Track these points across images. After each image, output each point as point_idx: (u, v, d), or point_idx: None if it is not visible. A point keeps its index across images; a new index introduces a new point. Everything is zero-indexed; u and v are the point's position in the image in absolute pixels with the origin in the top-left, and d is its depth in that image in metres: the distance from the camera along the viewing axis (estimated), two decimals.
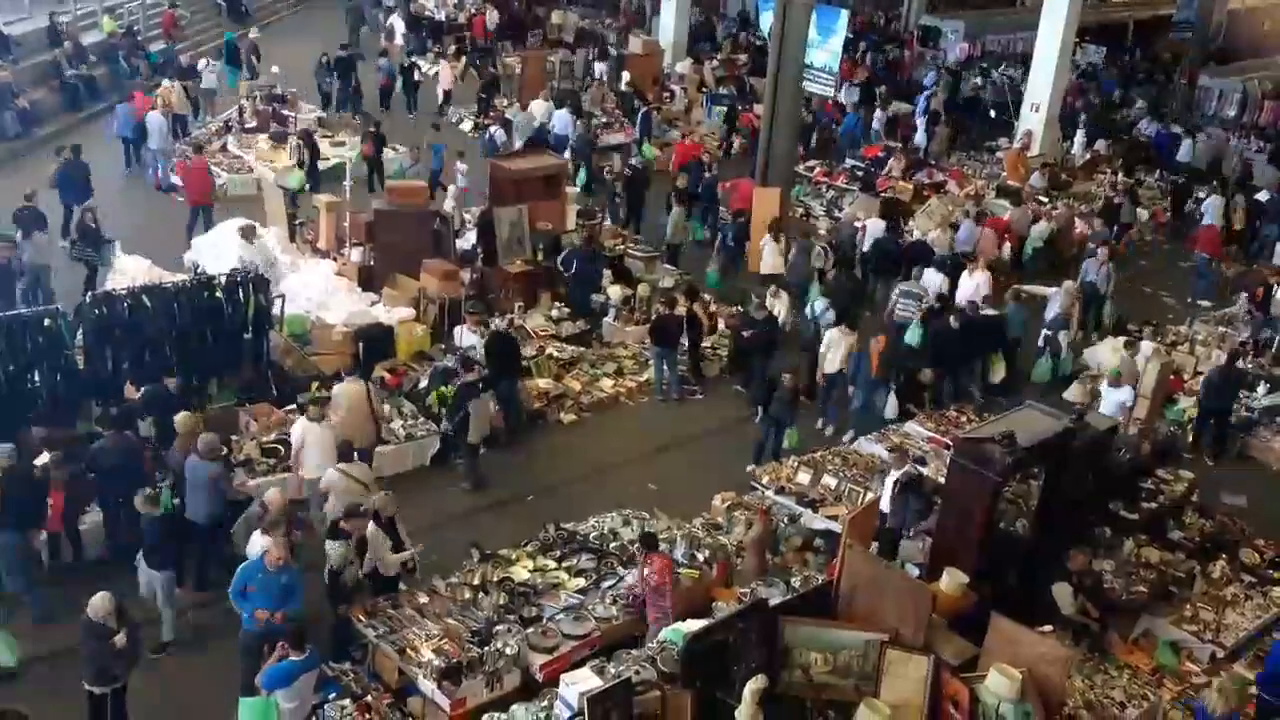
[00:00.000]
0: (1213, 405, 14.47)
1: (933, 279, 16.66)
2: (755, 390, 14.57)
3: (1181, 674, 9.98)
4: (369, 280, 15.90)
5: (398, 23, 28.38)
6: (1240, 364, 15.28)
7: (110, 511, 10.72)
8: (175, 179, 19.00)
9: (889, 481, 11.23)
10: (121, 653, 8.51)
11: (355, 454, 11.27)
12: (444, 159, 20.23)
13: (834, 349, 13.97)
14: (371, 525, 9.69)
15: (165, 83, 21.93)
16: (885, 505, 11.03)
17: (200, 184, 17.83)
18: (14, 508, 9.80)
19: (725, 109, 25.60)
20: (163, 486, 10.20)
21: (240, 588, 8.91)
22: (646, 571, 9.54)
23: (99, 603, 8.43)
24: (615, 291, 16.47)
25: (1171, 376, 15.07)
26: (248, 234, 15.02)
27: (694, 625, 8.37)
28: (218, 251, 15.42)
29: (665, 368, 14.79)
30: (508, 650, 9.00)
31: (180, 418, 10.91)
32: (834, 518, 11.51)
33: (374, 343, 14.28)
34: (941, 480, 10.75)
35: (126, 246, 15.42)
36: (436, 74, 26.30)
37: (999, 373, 15.14)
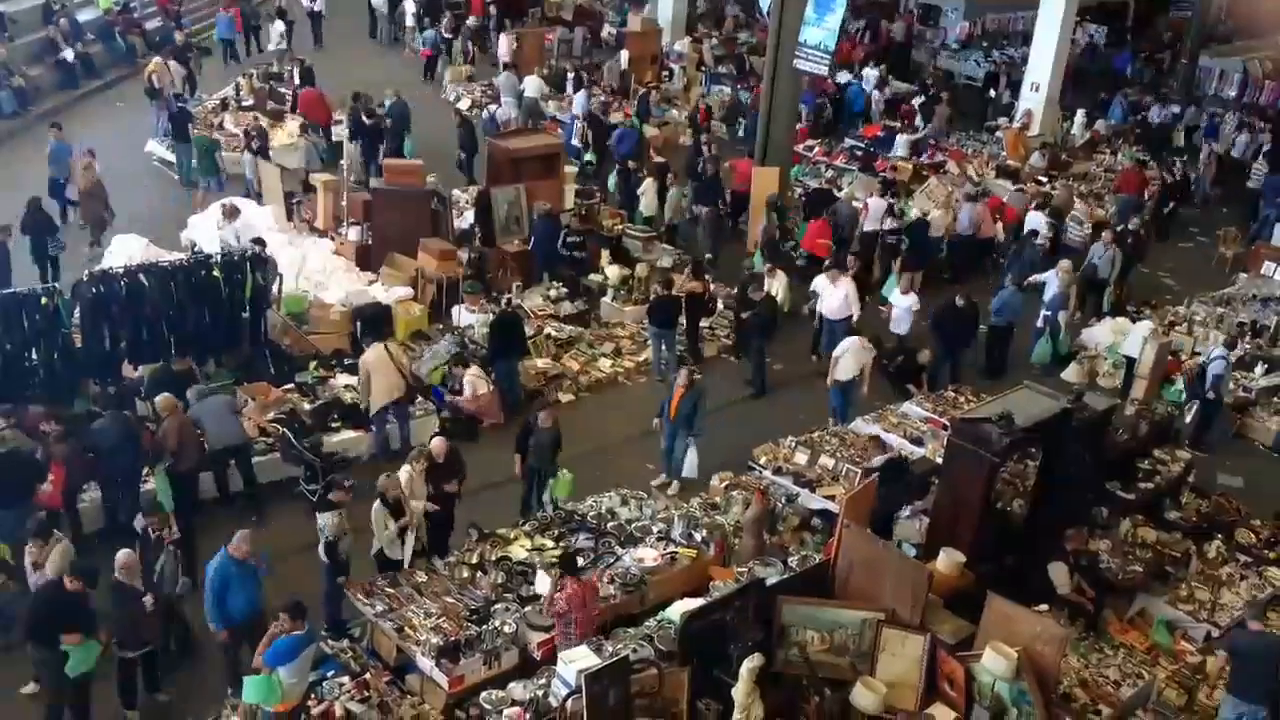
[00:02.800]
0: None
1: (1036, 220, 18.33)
2: (754, 372, 14.64)
3: (1176, 653, 10.03)
4: (367, 259, 15.88)
5: (409, 4, 28.21)
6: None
7: (109, 490, 10.76)
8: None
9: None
10: (152, 614, 8.57)
11: (392, 409, 12.21)
12: (68, 163, 16.76)
13: (849, 355, 13.40)
14: (377, 504, 9.71)
15: (156, 60, 21.84)
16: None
17: (318, 109, 20.61)
18: (6, 483, 9.84)
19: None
20: (159, 471, 10.32)
21: (219, 587, 8.75)
22: (558, 595, 8.83)
23: (123, 560, 8.46)
24: (613, 272, 16.45)
25: (1169, 357, 15.11)
26: (230, 214, 14.97)
27: (691, 604, 8.40)
28: (214, 231, 15.40)
29: (663, 348, 14.78)
30: (505, 628, 9.03)
31: (160, 399, 10.94)
32: (831, 497, 11.53)
33: (371, 322, 14.27)
34: (939, 460, 10.77)
35: (130, 226, 15.41)
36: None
37: None
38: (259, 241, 13.73)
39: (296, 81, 21.93)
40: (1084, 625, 9.91)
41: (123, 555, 8.60)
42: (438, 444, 10.58)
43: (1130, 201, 20.12)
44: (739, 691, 6.93)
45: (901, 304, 15.11)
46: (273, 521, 11.18)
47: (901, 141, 22.76)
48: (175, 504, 10.79)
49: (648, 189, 18.60)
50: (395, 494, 9.85)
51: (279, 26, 25.56)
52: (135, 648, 8.67)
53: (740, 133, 23.03)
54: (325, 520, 9.46)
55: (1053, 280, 16.02)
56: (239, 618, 8.81)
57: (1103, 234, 17.76)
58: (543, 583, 9.48)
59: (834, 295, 14.87)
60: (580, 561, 10.15)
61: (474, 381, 13.22)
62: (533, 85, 23.33)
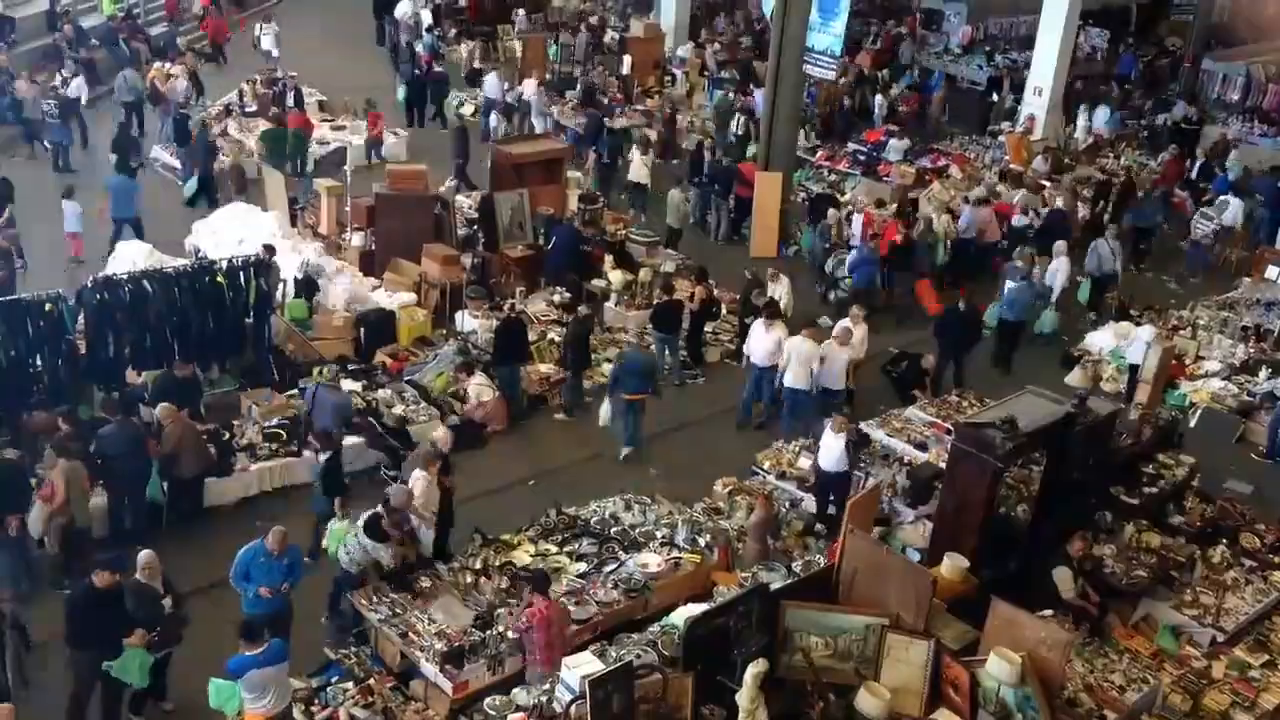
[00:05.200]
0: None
1: (1235, 204, 19.29)
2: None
3: (1181, 658, 10.01)
4: (370, 265, 15.89)
5: (424, 15, 28.28)
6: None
7: (115, 496, 10.78)
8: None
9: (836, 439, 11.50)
10: (171, 616, 8.64)
11: None
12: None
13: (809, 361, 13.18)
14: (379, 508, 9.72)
15: (157, 64, 21.88)
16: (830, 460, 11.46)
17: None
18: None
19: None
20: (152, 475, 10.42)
21: (242, 571, 8.97)
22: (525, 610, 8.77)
23: (145, 560, 8.53)
24: (616, 276, 16.45)
25: (1173, 361, 15.08)
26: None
27: (695, 609, 8.39)
28: (218, 237, 15.43)
29: (666, 352, 14.79)
30: (509, 634, 9.03)
31: (161, 409, 10.96)
32: None
33: (375, 328, 14.30)
34: (942, 465, 10.77)
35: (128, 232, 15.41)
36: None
37: None
38: (270, 249, 13.72)
39: (290, 102, 22.00)
40: (1088, 630, 9.89)
41: (144, 556, 8.66)
42: (444, 435, 10.65)
43: (1166, 194, 20.57)
44: (743, 697, 6.91)
45: (838, 358, 13.38)
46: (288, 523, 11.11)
47: (894, 146, 22.75)
48: (171, 505, 10.89)
49: (635, 157, 19.59)
50: (400, 502, 9.83)
51: (274, 27, 25.54)
52: (153, 649, 8.66)
53: (730, 138, 23.01)
54: (382, 553, 9.43)
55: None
56: (254, 608, 8.89)
57: (1109, 228, 18.05)
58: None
59: (765, 340, 13.60)
60: (584, 567, 10.15)
61: (479, 389, 13.22)
62: (529, 89, 23.42)
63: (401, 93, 23.91)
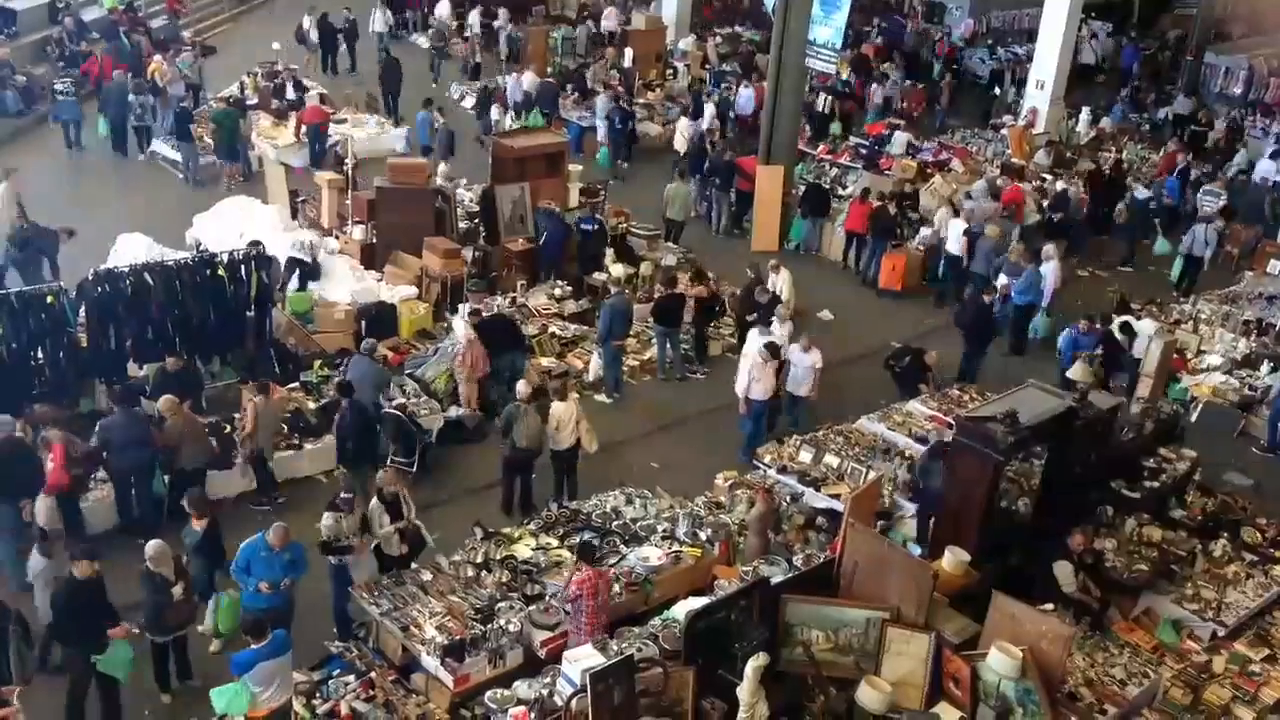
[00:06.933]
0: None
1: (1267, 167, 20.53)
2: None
3: (1182, 652, 10.02)
4: (371, 258, 15.88)
5: (443, 4, 28.26)
6: None
7: (121, 487, 10.79)
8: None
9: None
10: (178, 604, 8.74)
11: None
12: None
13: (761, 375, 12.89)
14: (374, 500, 9.73)
15: (157, 58, 21.83)
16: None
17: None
18: (7, 476, 9.92)
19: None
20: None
21: (243, 565, 9.01)
22: (572, 578, 9.05)
23: (153, 551, 8.64)
24: (618, 270, 16.44)
25: (1174, 355, 15.06)
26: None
27: (696, 603, 8.40)
28: (220, 230, 15.42)
29: (668, 347, 14.78)
30: (510, 627, 9.05)
31: (163, 401, 10.97)
32: (836, 496, 11.53)
33: (376, 321, 14.30)
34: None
35: (135, 225, 15.42)
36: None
37: None
38: (256, 244, 13.66)
39: (291, 94, 21.95)
40: (1089, 624, 9.90)
41: (152, 545, 8.73)
42: (531, 374, 11.78)
43: (1175, 185, 20.68)
44: (744, 690, 6.92)
45: (802, 362, 13.18)
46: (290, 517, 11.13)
47: (897, 139, 22.70)
48: (173, 498, 10.90)
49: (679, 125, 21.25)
50: (392, 490, 9.86)
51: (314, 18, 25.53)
52: (164, 634, 8.88)
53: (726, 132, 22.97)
54: (324, 519, 9.48)
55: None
56: (254, 603, 8.94)
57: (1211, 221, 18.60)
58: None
59: (770, 377, 12.83)
60: None
61: (462, 327, 13.15)
62: (528, 81, 23.43)
63: (314, 38, 25.25)
